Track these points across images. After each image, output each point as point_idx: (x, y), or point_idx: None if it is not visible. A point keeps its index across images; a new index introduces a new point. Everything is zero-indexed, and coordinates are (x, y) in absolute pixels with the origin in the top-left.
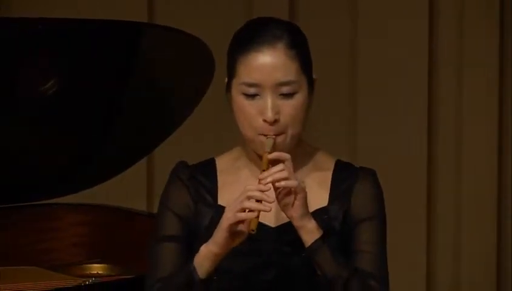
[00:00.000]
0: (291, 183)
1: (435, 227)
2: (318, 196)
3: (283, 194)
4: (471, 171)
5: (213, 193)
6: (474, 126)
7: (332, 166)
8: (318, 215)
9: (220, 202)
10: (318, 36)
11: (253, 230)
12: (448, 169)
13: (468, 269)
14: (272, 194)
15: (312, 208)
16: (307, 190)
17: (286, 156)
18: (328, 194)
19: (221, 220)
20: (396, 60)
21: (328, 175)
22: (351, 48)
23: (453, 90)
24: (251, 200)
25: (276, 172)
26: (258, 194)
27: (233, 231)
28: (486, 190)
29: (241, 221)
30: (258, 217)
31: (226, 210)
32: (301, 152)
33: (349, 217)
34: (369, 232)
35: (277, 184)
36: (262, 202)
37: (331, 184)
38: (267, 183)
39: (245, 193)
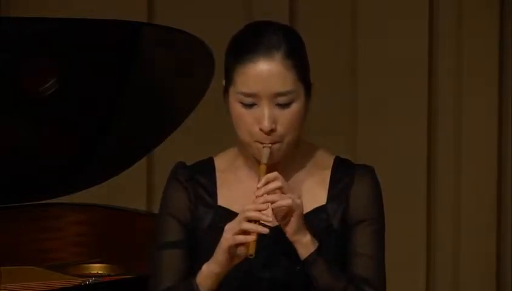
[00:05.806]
0: (285, 202)
1: (435, 226)
2: (317, 195)
3: (279, 210)
4: (470, 170)
5: (213, 193)
6: (474, 125)
7: (330, 164)
8: (317, 214)
9: (220, 202)
10: (318, 36)
11: (251, 255)
12: (448, 168)
13: (467, 269)
14: (270, 212)
15: (310, 207)
16: (305, 188)
17: (279, 178)
18: (326, 193)
19: (220, 241)
20: (396, 60)
21: (327, 173)
22: (351, 48)
23: (453, 89)
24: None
25: (271, 189)
26: (256, 215)
27: (232, 253)
28: (486, 190)
29: (240, 244)
30: (256, 240)
31: (225, 230)
32: (299, 151)
33: (347, 216)
34: (367, 234)
35: (271, 206)
36: (261, 221)
37: (329, 183)
38: (262, 194)
39: (244, 213)
